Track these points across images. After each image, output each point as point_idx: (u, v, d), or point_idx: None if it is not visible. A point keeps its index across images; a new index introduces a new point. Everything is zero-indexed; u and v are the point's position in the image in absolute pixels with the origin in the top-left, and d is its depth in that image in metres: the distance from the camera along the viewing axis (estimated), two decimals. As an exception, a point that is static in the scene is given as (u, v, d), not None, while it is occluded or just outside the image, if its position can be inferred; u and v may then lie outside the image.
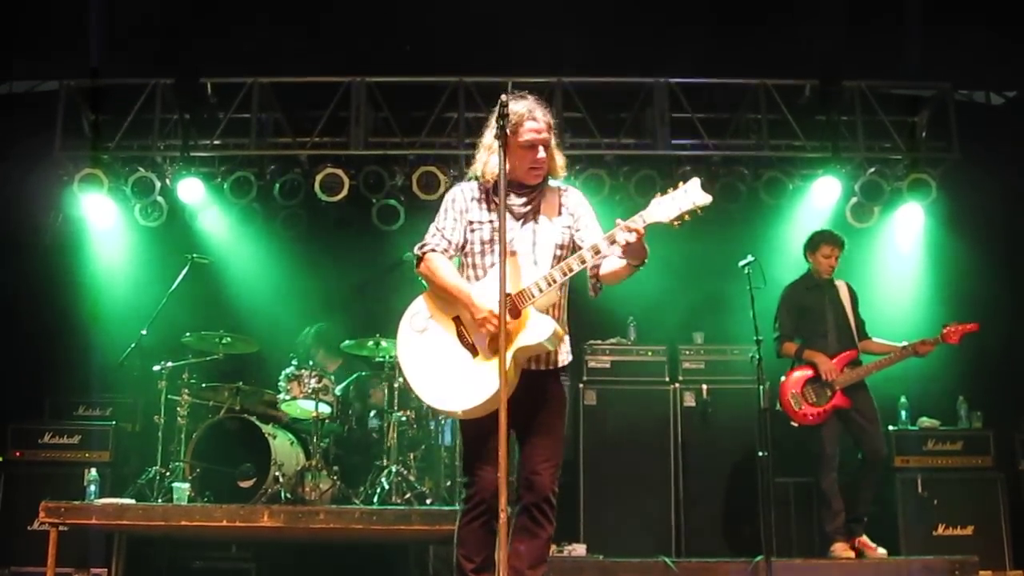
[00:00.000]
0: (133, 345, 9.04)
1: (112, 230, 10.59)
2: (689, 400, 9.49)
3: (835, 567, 8.02)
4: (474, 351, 5.24)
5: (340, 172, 10.26)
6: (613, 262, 5.29)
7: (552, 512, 5.38)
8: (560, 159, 5.47)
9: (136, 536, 8.82)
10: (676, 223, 5.13)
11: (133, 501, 8.34)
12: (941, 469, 9.31)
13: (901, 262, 10.47)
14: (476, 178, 5.50)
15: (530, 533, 5.29)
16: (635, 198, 10.17)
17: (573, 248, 5.40)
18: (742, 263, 8.15)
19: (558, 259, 5.33)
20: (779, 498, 9.11)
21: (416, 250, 5.48)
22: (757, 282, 8.06)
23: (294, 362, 9.29)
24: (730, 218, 10.33)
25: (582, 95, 10.32)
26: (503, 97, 5.00)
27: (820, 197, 10.30)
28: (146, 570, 9.15)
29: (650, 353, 9.71)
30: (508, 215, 5.34)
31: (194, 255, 9.55)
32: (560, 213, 5.45)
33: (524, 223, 5.39)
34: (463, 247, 5.46)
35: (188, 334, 9.37)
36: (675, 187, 5.17)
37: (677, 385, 9.55)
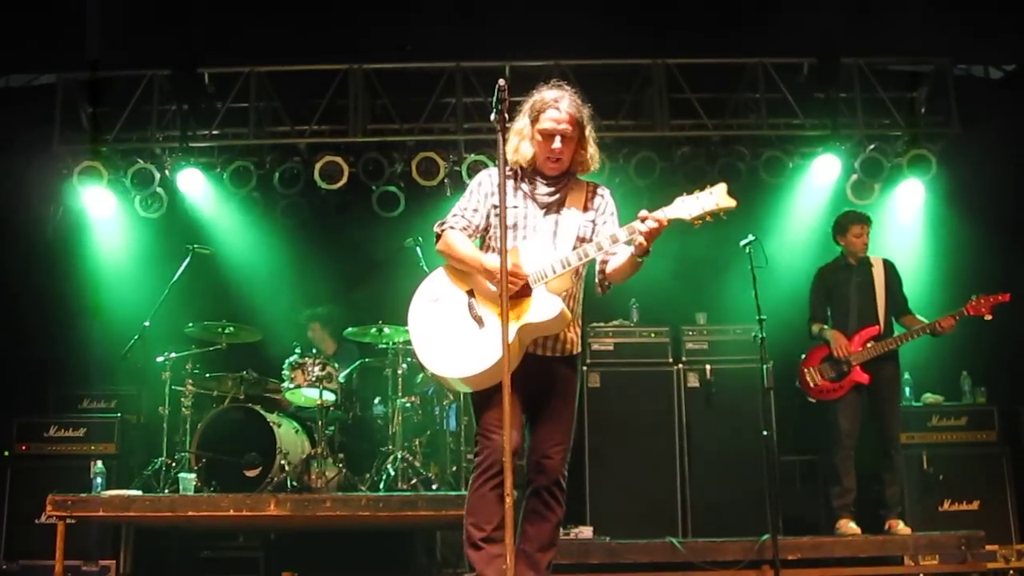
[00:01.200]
0: (136, 337, 9.04)
1: (113, 222, 10.60)
2: (693, 381, 9.48)
3: (840, 544, 8.02)
4: (480, 323, 5.25)
5: (339, 160, 10.26)
6: (618, 256, 5.34)
7: (562, 496, 5.40)
8: (590, 155, 5.48)
9: (143, 527, 8.86)
10: (697, 222, 5.23)
11: (139, 492, 8.36)
12: (946, 445, 9.32)
13: (902, 238, 10.44)
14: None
15: (540, 516, 5.30)
16: (635, 180, 10.17)
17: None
18: (743, 242, 8.14)
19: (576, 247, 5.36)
20: (785, 476, 9.13)
21: (436, 227, 5.51)
22: (759, 261, 8.05)
23: (297, 350, 9.30)
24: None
25: (580, 77, 10.23)
26: (500, 81, 4.98)
27: (820, 175, 10.30)
28: (154, 561, 9.18)
29: (653, 334, 9.70)
30: (532, 203, 5.41)
31: (195, 245, 9.54)
32: (586, 209, 5.48)
33: (548, 213, 5.43)
34: (486, 230, 5.49)
35: (191, 324, 9.38)
36: (702, 189, 5.26)
37: (681, 366, 9.55)
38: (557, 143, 5.32)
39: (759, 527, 8.06)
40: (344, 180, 10.25)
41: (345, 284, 10.81)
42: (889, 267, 8.99)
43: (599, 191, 5.60)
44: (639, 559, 7.89)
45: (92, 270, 10.53)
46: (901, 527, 8.30)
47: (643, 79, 10.42)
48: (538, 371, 5.28)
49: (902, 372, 9.15)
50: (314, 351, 9.39)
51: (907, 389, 9.54)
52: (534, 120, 5.35)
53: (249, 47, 10.32)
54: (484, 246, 5.51)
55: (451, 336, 5.28)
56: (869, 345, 8.64)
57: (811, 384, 8.72)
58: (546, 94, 5.38)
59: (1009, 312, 8.61)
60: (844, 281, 8.93)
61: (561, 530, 8.25)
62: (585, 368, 9.52)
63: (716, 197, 5.21)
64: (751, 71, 10.38)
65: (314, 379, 9.07)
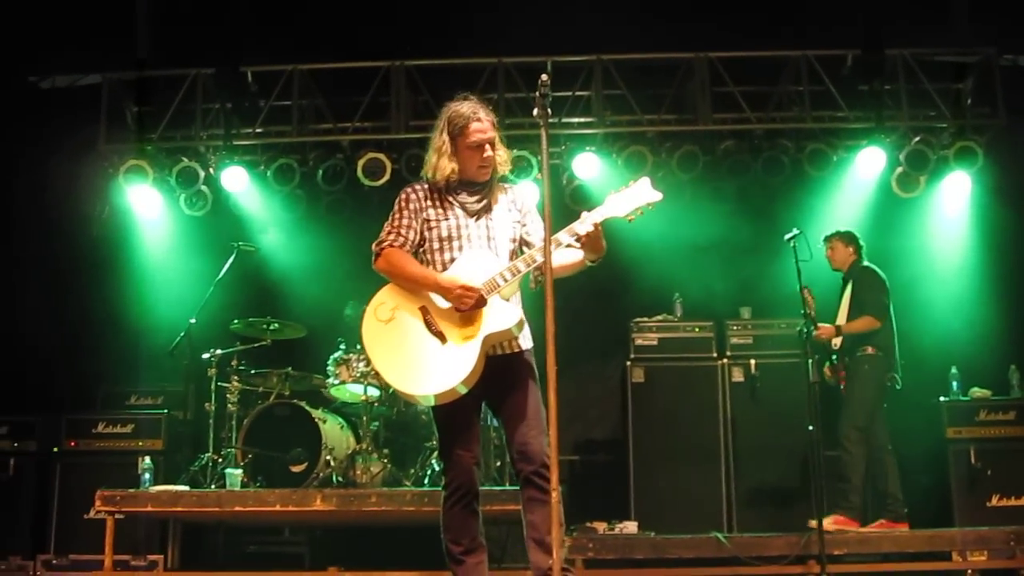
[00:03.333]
0: (182, 334, 9.10)
1: (158, 220, 10.69)
2: (737, 375, 9.46)
3: (887, 539, 7.96)
4: (442, 338, 5.32)
5: (382, 156, 10.29)
6: (568, 255, 5.42)
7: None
8: (503, 155, 5.59)
9: (190, 522, 8.94)
10: (630, 218, 5.35)
11: (187, 488, 8.43)
12: (994, 439, 9.20)
13: (949, 231, 10.36)
14: (424, 178, 5.63)
15: (539, 502, 5.32)
16: (678, 174, 10.14)
17: (521, 242, 5.57)
18: (787, 236, 8.09)
19: (512, 252, 5.50)
20: (830, 472, 9.05)
21: (373, 247, 5.57)
22: (803, 255, 7.99)
23: (342, 346, 9.34)
24: (774, 191, 10.29)
25: (622, 72, 10.27)
26: (543, 77, 4.97)
27: (865, 168, 10.20)
28: (201, 555, 9.26)
29: (697, 329, 9.68)
30: (462, 212, 5.50)
31: (240, 243, 9.60)
32: (509, 209, 5.59)
33: (478, 219, 5.51)
34: (420, 244, 5.55)
35: (236, 321, 9.44)
36: (627, 185, 5.39)
37: (725, 361, 9.53)
38: (488, 151, 5.45)
39: (804, 522, 8.03)
40: (387, 176, 10.27)
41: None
42: (859, 273, 8.91)
43: (514, 189, 5.74)
44: (684, 554, 7.86)
45: (138, 268, 10.62)
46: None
47: (685, 73, 10.37)
48: (497, 369, 5.35)
49: (949, 367, 9.07)
50: (359, 347, 9.42)
51: (954, 383, 9.44)
52: (457, 135, 5.45)
53: (291, 45, 10.36)
54: (420, 261, 5.55)
55: (414, 354, 5.33)
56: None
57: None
58: (461, 108, 5.47)
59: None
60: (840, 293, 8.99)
61: (606, 524, 8.36)
62: (629, 363, 9.55)
63: (643, 192, 5.36)
64: (794, 63, 10.30)
65: (359, 375, 9.11)
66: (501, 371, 5.38)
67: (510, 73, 10.23)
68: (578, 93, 10.41)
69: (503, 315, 5.29)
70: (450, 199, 5.52)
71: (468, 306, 5.26)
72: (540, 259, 5.26)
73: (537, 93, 4.94)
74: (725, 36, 10.19)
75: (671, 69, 10.40)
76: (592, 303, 9.97)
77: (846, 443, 8.52)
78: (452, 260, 5.44)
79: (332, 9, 10.16)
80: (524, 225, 5.59)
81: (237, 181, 10.40)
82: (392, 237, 5.52)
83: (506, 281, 5.30)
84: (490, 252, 5.43)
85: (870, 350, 8.61)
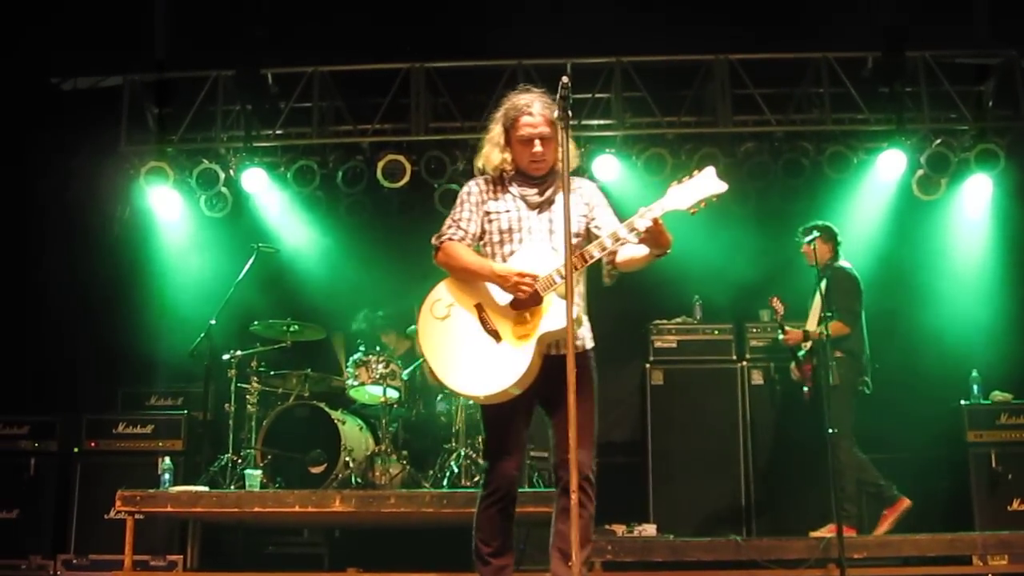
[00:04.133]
0: (202, 335, 9.12)
1: (179, 222, 10.71)
2: (757, 378, 9.46)
3: (907, 543, 7.93)
4: (497, 337, 5.26)
5: (402, 158, 10.30)
6: (633, 249, 5.31)
7: (592, 491, 5.41)
8: (571, 151, 5.36)
9: (210, 523, 8.96)
10: (692, 210, 5.18)
11: (206, 488, 8.45)
12: (1015, 443, 9.13)
13: (970, 234, 10.32)
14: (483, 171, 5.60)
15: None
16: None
17: (588, 237, 5.43)
18: (808, 239, 8.07)
19: (576, 247, 5.32)
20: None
21: (433, 240, 5.54)
22: (824, 258, 7.99)
23: (361, 348, 9.36)
24: (794, 194, 10.27)
25: (642, 74, 10.26)
26: (563, 79, 4.96)
27: (885, 170, 10.17)
28: (220, 556, 9.28)
29: (716, 332, 9.68)
30: (523, 204, 5.44)
31: (260, 244, 9.63)
32: (575, 203, 5.45)
33: (540, 212, 5.44)
34: (481, 237, 5.51)
35: (256, 323, 9.48)
36: (691, 175, 5.24)
37: (744, 363, 9.53)
38: (537, 147, 5.37)
39: (824, 525, 8.01)
40: (406, 178, 10.29)
41: (408, 281, 10.81)
42: (833, 273, 8.82)
43: (583, 184, 5.62)
44: (703, 557, 7.86)
45: (159, 269, 10.65)
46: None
47: (705, 75, 10.36)
48: (555, 371, 5.15)
49: (970, 370, 9.03)
50: (378, 348, 9.44)
51: (975, 387, 9.39)
52: (509, 127, 5.42)
53: (311, 47, 10.39)
54: (481, 254, 5.51)
55: (470, 354, 5.27)
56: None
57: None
58: (517, 100, 5.41)
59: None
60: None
61: (624, 527, 8.35)
62: (648, 366, 9.55)
63: (708, 183, 5.19)
64: (814, 65, 10.28)
65: (378, 376, 9.14)
66: (559, 372, 5.10)
67: (530, 75, 10.19)
68: (598, 95, 10.39)
69: (560, 314, 5.14)
70: (512, 192, 5.46)
71: (525, 295, 5.17)
72: (598, 255, 5.22)
73: (557, 95, 4.94)
74: (745, 38, 10.16)
75: (691, 71, 10.39)
76: (611, 305, 9.93)
77: (836, 451, 8.47)
78: (512, 253, 5.37)
79: (352, 11, 10.17)
80: (593, 219, 5.47)
81: (257, 183, 10.43)
82: (452, 230, 5.49)
83: (563, 278, 5.13)
84: (550, 246, 5.32)
85: (838, 354, 8.52)
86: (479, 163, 5.57)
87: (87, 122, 10.57)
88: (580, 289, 5.43)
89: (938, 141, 10.10)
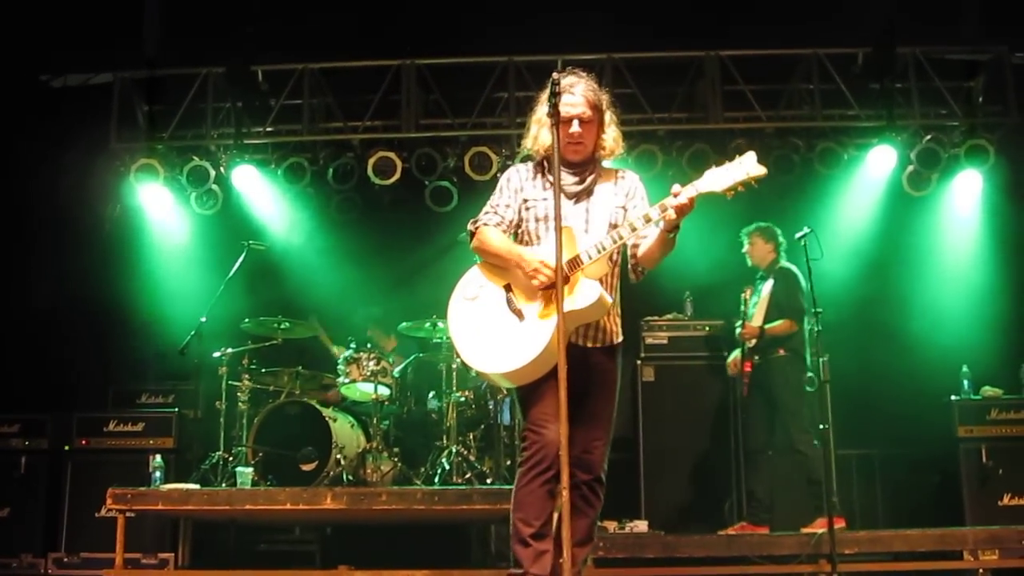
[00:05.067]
0: (193, 332, 9.11)
1: (169, 219, 10.70)
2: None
3: (899, 538, 7.93)
4: (520, 316, 5.23)
5: (392, 155, 10.30)
6: (648, 238, 5.28)
7: (602, 491, 5.37)
8: (610, 140, 5.42)
9: (201, 520, 8.94)
10: (729, 193, 5.13)
11: (198, 486, 8.43)
12: (1006, 438, 9.15)
13: (960, 230, 10.33)
14: (530, 157, 5.50)
15: (579, 511, 5.20)
16: (688, 173, 10.10)
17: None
18: (798, 235, 8.08)
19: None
20: (841, 470, 9.04)
21: (469, 226, 5.52)
22: (814, 254, 7.96)
23: (352, 345, 9.35)
24: (785, 190, 10.26)
25: (633, 70, 10.26)
26: (554, 75, 4.99)
27: (876, 166, 10.19)
28: (211, 554, 9.26)
29: (707, 328, 9.68)
30: (562, 193, 5.30)
31: (251, 241, 9.60)
32: (614, 194, 5.42)
33: (577, 202, 5.37)
34: (519, 225, 5.47)
35: (247, 320, 9.47)
36: (730, 159, 5.17)
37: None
38: (575, 127, 5.27)
39: (815, 520, 8.02)
40: (397, 175, 10.29)
41: (399, 278, 10.85)
42: (778, 274, 8.85)
43: (626, 175, 5.54)
44: (694, 553, 7.85)
45: (150, 266, 10.64)
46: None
47: (696, 71, 10.36)
48: (578, 362, 5.07)
49: (960, 365, 9.02)
50: (369, 346, 9.43)
51: (965, 382, 9.40)
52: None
53: (302, 44, 10.37)
54: (517, 242, 5.48)
55: (492, 332, 5.26)
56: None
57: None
58: (562, 81, 5.24)
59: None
60: (756, 290, 8.95)
61: (616, 523, 8.36)
62: (639, 362, 9.54)
63: (746, 166, 5.10)
64: (805, 62, 10.29)
65: (369, 374, 9.14)
66: (581, 365, 5.14)
67: (521, 72, 10.23)
68: (589, 92, 10.37)
69: (584, 293, 5.08)
70: (551, 178, 5.32)
71: (543, 284, 5.13)
72: (627, 236, 5.17)
73: (548, 92, 4.93)
74: (736, 34, 10.16)
75: (682, 67, 10.39)
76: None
77: (802, 448, 8.50)
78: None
79: (342, 8, 10.15)
80: (629, 211, 5.39)
81: (247, 180, 10.41)
82: (488, 216, 5.47)
83: (591, 258, 5.12)
84: (586, 235, 5.23)
85: (782, 352, 8.64)
86: (527, 144, 5.47)
87: (77, 119, 10.54)
88: (613, 283, 5.38)
89: (928, 137, 10.12)
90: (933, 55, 10.18)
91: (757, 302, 8.80)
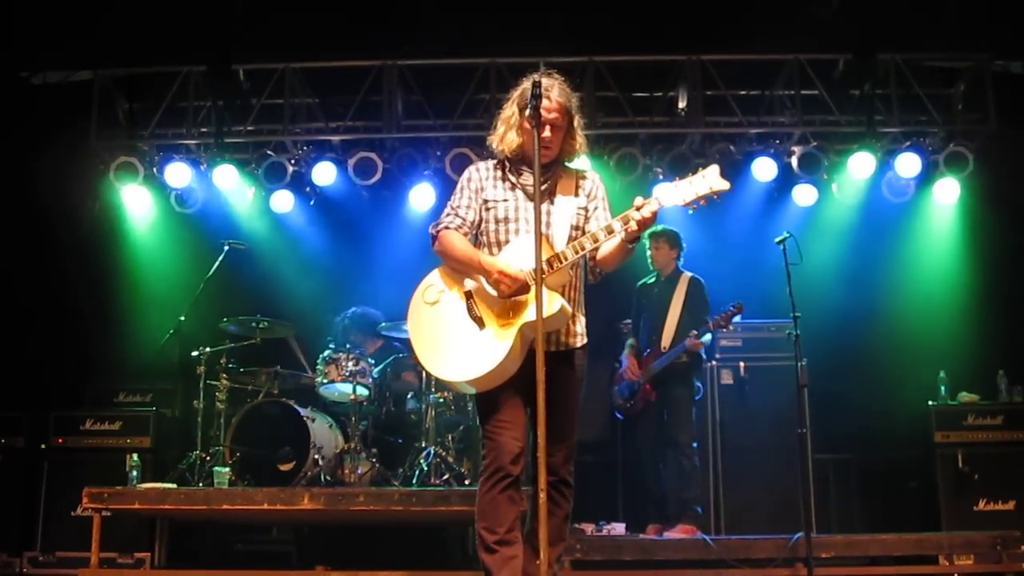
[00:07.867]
0: (172, 331, 9.10)
1: (149, 218, 10.67)
2: (727, 378, 9.48)
3: (875, 542, 7.96)
4: (481, 324, 5.24)
5: (373, 156, 10.29)
6: (608, 242, 5.26)
7: (569, 491, 5.42)
8: (579, 141, 5.46)
9: (178, 520, 8.91)
10: (692, 207, 5.18)
11: (175, 486, 8.41)
12: (982, 444, 9.21)
13: (938, 236, 10.38)
14: (493, 156, 5.53)
15: (548, 512, 5.22)
16: (669, 177, 10.13)
17: (585, 231, 5.38)
18: (778, 239, 8.10)
19: (572, 239, 5.30)
20: (818, 475, 9.07)
21: (431, 229, 5.52)
22: (793, 258, 7.98)
23: (331, 345, 9.34)
24: (765, 194, 10.29)
25: (614, 74, 10.27)
26: (534, 76, 4.99)
27: (856, 172, 10.21)
28: (188, 553, 9.24)
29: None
30: (522, 194, 5.39)
31: (230, 241, 9.58)
32: (576, 195, 5.44)
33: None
34: (478, 226, 5.48)
35: (225, 319, 9.43)
36: (694, 172, 5.21)
37: (714, 363, 9.54)
38: (547, 132, 5.28)
39: (792, 525, 8.04)
40: (378, 176, 10.28)
41: (379, 279, 10.83)
42: (693, 284, 8.93)
43: (587, 175, 5.56)
44: (671, 556, 7.87)
45: (128, 265, 10.60)
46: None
47: (677, 76, 10.38)
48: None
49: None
50: (348, 346, 9.42)
51: (943, 387, 9.46)
52: (523, 108, 5.28)
53: (283, 43, 10.34)
54: (476, 243, 5.48)
55: (452, 339, 5.27)
56: (653, 364, 8.77)
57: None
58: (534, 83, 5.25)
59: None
60: (649, 295, 9.00)
61: (593, 526, 8.37)
62: (618, 364, 9.53)
63: (709, 180, 5.15)
64: (786, 67, 10.32)
65: (348, 374, 9.11)
66: (546, 370, 5.02)
67: (503, 74, 10.22)
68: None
69: (545, 305, 5.02)
70: (512, 180, 5.40)
71: (504, 293, 5.15)
72: (590, 247, 5.18)
73: (529, 94, 4.94)
74: (717, 39, 10.18)
75: (663, 72, 10.40)
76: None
77: (688, 452, 8.54)
78: (508, 243, 5.33)
79: (324, 8, 10.13)
80: (590, 213, 5.43)
81: (227, 179, 10.38)
82: (449, 218, 5.46)
83: (551, 269, 5.13)
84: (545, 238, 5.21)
85: (684, 358, 8.69)
86: (494, 144, 5.49)
87: (57, 117, 10.47)
88: (576, 284, 5.41)
89: (908, 144, 10.16)
90: (913, 62, 10.21)
91: (666, 310, 8.84)
